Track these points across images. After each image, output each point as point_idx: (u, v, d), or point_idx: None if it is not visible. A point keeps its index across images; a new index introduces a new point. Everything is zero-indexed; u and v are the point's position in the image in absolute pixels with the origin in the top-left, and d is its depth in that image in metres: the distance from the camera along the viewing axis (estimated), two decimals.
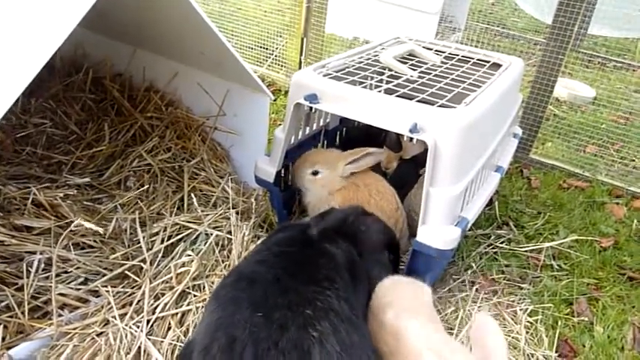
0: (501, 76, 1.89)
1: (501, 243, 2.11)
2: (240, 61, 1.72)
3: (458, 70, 1.91)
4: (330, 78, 1.68)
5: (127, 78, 2.21)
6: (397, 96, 1.57)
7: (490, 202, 2.40)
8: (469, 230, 2.18)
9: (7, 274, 1.38)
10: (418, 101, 1.56)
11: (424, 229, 1.50)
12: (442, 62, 2.00)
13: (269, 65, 3.73)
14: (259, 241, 1.46)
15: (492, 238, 2.15)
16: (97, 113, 2.11)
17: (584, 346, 1.66)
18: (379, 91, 1.62)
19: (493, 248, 2.08)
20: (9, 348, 1.27)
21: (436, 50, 2.17)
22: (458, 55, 2.11)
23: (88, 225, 1.37)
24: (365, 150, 1.73)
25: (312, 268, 1.13)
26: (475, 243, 2.11)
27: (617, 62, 4.69)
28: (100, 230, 1.42)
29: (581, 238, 2.18)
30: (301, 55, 3.43)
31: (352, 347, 0.97)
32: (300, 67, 3.45)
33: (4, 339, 1.28)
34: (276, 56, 3.65)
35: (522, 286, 1.88)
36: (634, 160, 2.95)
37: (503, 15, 5.58)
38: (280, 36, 3.74)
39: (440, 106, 1.52)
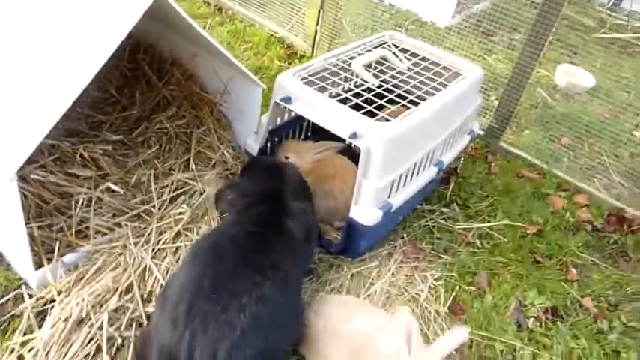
0: (454, 86, 2.29)
1: (441, 219, 2.60)
2: (242, 68, 2.20)
3: (416, 79, 2.31)
4: (305, 82, 2.14)
5: (156, 51, 2.73)
6: (355, 102, 2.04)
7: (447, 182, 2.86)
8: (419, 205, 2.68)
9: (62, 207, 2.01)
10: (367, 111, 2.02)
11: (354, 209, 2.02)
12: (408, 68, 2.40)
13: (291, 27, 4.11)
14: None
15: (436, 214, 2.64)
16: (131, 80, 2.65)
17: (472, 308, 2.19)
18: (339, 99, 2.08)
19: (433, 223, 2.58)
20: (62, 256, 1.93)
21: (411, 53, 2.55)
22: (428, 60, 2.49)
23: (114, 187, 1.99)
24: (327, 145, 2.28)
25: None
26: (419, 216, 2.60)
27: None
28: (121, 191, 2.02)
29: (510, 223, 2.64)
30: (317, 24, 3.79)
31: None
32: (315, 36, 3.83)
33: (59, 250, 1.93)
34: (297, 21, 4.02)
35: (443, 256, 2.39)
36: (600, 157, 3.24)
37: None
38: None
39: (379, 119, 1.98)
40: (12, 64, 1.93)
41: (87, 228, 2.02)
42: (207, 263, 1.49)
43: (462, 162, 2.99)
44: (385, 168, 1.98)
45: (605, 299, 2.33)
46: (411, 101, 2.17)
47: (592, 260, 2.53)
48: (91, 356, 1.70)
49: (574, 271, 2.44)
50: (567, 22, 4.75)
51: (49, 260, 1.89)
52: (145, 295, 1.92)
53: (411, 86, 2.27)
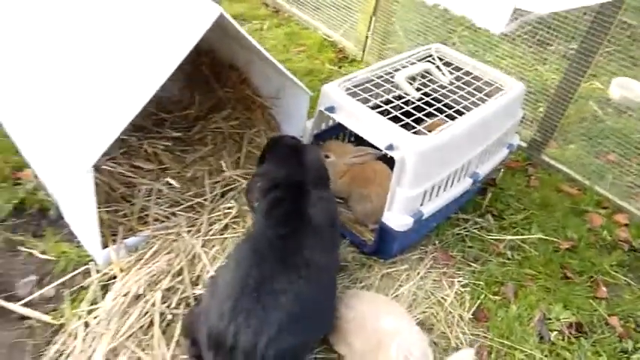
0: (492, 102, 2.37)
1: (474, 229, 2.68)
2: (293, 78, 2.39)
3: (457, 93, 2.41)
4: (349, 93, 2.29)
5: (216, 55, 2.95)
6: (395, 114, 2.17)
7: (484, 192, 2.93)
8: (454, 213, 2.77)
9: (127, 195, 2.28)
10: (406, 123, 2.15)
11: (387, 214, 2.16)
12: (450, 82, 2.50)
13: (344, 32, 4.26)
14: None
15: (470, 223, 2.72)
16: (192, 82, 2.90)
17: (496, 316, 2.28)
18: (380, 110, 2.21)
19: (466, 231, 2.67)
20: (124, 238, 2.19)
21: (455, 67, 2.64)
22: (471, 74, 2.57)
23: (172, 182, 2.23)
24: (365, 150, 2.41)
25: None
26: (453, 224, 2.69)
27: None
28: (178, 185, 2.26)
29: (544, 237, 2.68)
30: (369, 30, 3.91)
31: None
32: (366, 42, 3.96)
33: (122, 233, 2.19)
34: (350, 26, 4.16)
35: (472, 265, 2.48)
36: None
37: None
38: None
39: (416, 131, 2.10)
40: (94, 68, 2.19)
41: (147, 215, 2.28)
42: (250, 265, 1.69)
43: (500, 173, 3.05)
44: (418, 178, 2.10)
45: (633, 320, 2.34)
46: (450, 115, 2.27)
47: (625, 280, 2.54)
48: (144, 328, 1.95)
49: (604, 289, 2.46)
50: (632, 31, 4.62)
51: (114, 242, 2.16)
52: (194, 279, 2.15)
53: (452, 100, 2.38)
